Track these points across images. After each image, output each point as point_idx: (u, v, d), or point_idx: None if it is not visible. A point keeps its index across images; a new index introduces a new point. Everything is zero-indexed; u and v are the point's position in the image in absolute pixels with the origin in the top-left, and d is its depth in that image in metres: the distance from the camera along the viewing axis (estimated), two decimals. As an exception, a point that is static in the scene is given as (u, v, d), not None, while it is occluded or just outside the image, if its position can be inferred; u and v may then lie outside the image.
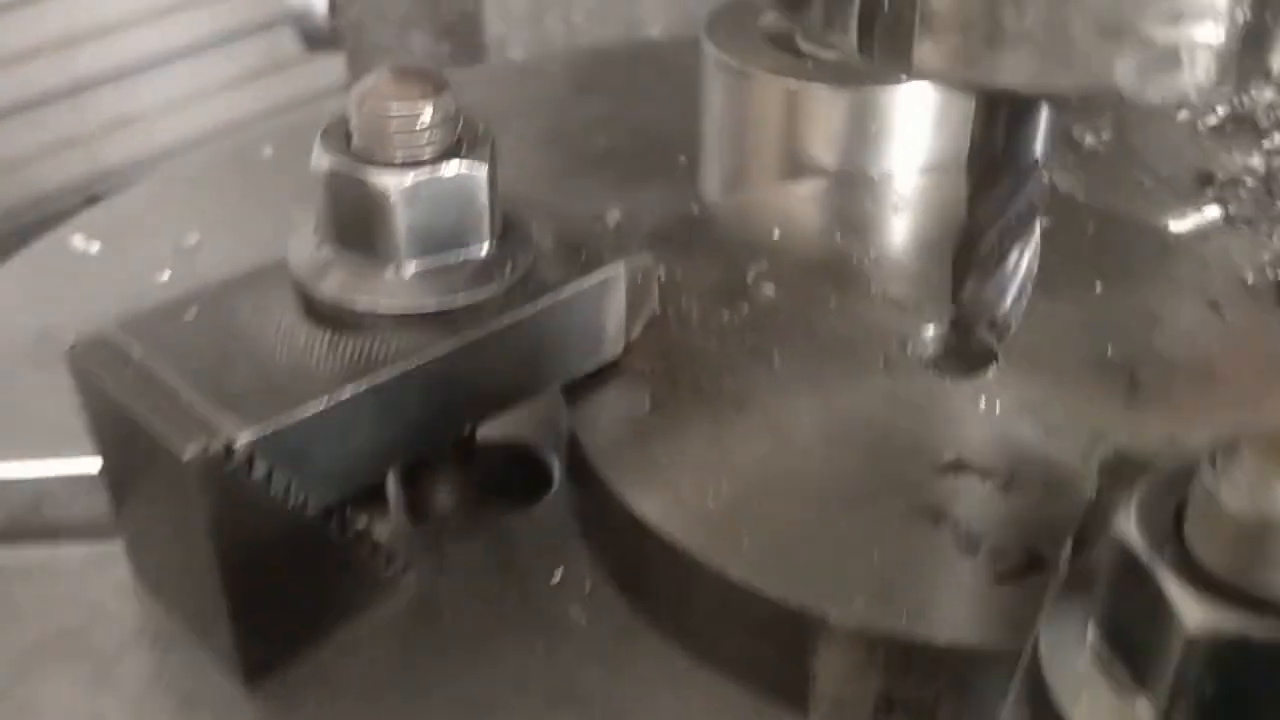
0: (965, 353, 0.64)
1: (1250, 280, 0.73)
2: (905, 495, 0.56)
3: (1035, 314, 0.63)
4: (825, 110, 0.77)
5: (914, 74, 0.47)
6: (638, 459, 0.59)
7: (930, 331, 0.65)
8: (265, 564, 0.52)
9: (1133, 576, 0.40)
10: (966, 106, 0.57)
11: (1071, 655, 0.42)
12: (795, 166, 0.79)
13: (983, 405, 0.61)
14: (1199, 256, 0.74)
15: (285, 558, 0.53)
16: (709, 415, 0.61)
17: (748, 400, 0.62)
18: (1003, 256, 0.60)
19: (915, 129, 0.78)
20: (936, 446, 0.59)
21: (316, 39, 1.72)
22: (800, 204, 0.78)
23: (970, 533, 0.55)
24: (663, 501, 0.56)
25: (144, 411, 0.50)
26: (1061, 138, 0.90)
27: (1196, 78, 0.45)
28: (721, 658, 0.55)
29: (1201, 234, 0.85)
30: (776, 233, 0.74)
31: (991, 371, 0.63)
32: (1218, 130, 0.95)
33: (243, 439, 0.49)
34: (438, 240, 0.55)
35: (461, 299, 0.55)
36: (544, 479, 0.67)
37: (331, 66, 1.91)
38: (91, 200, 2.37)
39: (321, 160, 0.54)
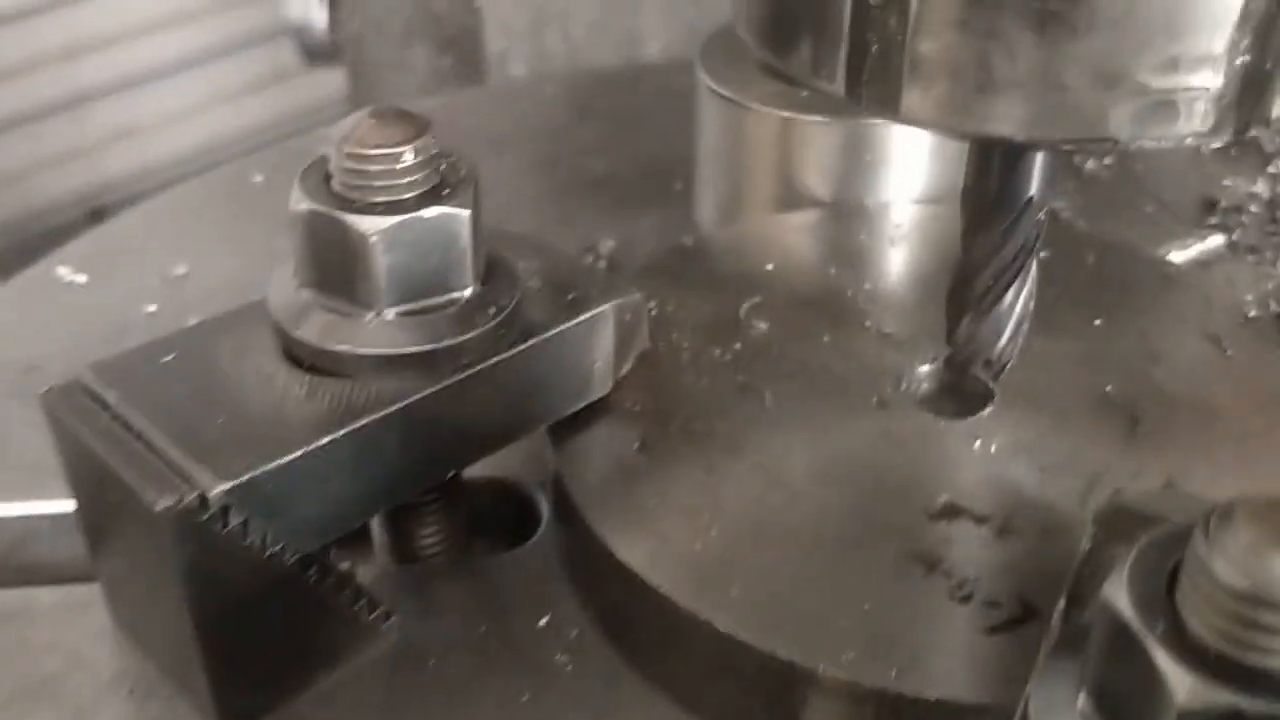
0: (961, 391, 0.63)
1: (1253, 313, 0.72)
2: (898, 541, 0.55)
3: (1033, 350, 0.62)
4: (820, 141, 0.76)
5: (902, 120, 0.46)
6: (624, 502, 0.58)
7: (925, 369, 0.64)
8: (242, 613, 0.51)
9: (1124, 644, 0.39)
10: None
11: (1061, 719, 0.41)
12: (790, 197, 0.78)
13: (978, 446, 0.60)
14: (1200, 289, 0.73)
15: (263, 606, 0.52)
16: (698, 457, 0.60)
17: (738, 441, 0.61)
18: (998, 296, 0.59)
19: (911, 159, 0.77)
20: (930, 489, 0.58)
21: (317, 53, 1.72)
22: (795, 235, 0.77)
23: (963, 581, 0.53)
24: (649, 548, 0.55)
25: (118, 460, 0.49)
26: (1063, 163, 0.89)
27: (1193, 126, 0.44)
28: (709, 707, 0.54)
29: (1204, 262, 0.84)
30: (770, 265, 0.73)
31: (987, 411, 0.62)
32: (1222, 154, 0.94)
33: (217, 490, 0.48)
34: (419, 283, 0.54)
35: (444, 343, 0.54)
36: (532, 517, 0.66)
37: (332, 78, 1.91)
38: (93, 212, 2.37)
39: (300, 203, 0.53)
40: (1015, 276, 0.58)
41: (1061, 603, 0.49)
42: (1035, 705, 0.42)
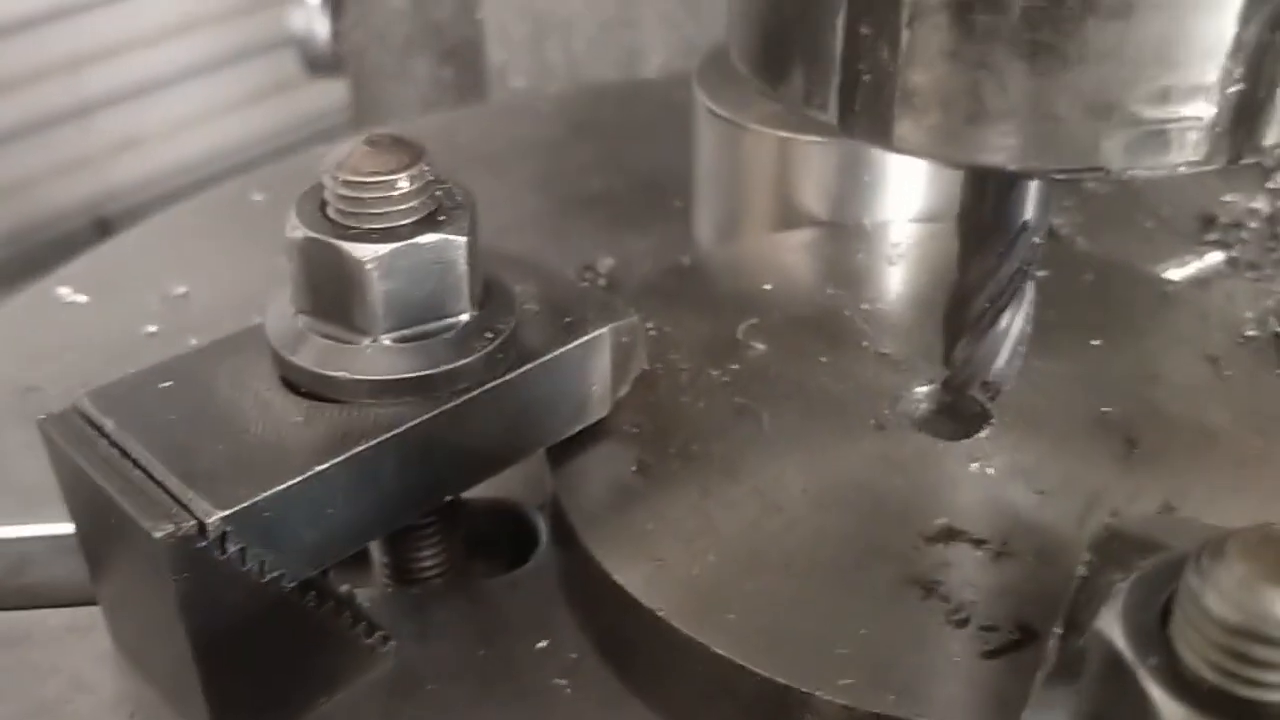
0: (958, 413, 0.63)
1: (1252, 332, 0.71)
2: (895, 565, 0.55)
3: (1030, 371, 0.62)
4: (818, 160, 0.76)
5: (894, 150, 0.46)
6: (622, 526, 0.58)
7: (923, 390, 0.64)
8: (241, 638, 0.51)
9: (1118, 675, 0.39)
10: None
11: (1056, 749, 0.41)
12: (788, 216, 0.78)
13: (975, 468, 0.60)
14: (1199, 308, 0.72)
15: (262, 631, 0.52)
16: (696, 479, 0.60)
17: (736, 463, 0.61)
18: (995, 317, 0.59)
19: (909, 179, 0.77)
20: (927, 512, 0.58)
21: (319, 64, 1.72)
22: (793, 255, 0.77)
23: (961, 604, 0.53)
24: (647, 571, 0.55)
25: (116, 488, 0.49)
26: (1060, 186, 0.89)
27: (1186, 155, 0.44)
28: (707, 731, 0.54)
29: (1204, 279, 0.84)
30: (768, 284, 0.73)
31: (985, 432, 0.62)
32: (1221, 169, 0.94)
33: (215, 518, 0.48)
34: (416, 309, 0.54)
35: (441, 368, 0.54)
36: (531, 538, 0.66)
37: (335, 89, 1.92)
38: (98, 221, 2.37)
39: (296, 230, 0.53)
40: (1011, 298, 0.58)
41: (1057, 630, 0.50)
42: (1030, 733, 0.42)
